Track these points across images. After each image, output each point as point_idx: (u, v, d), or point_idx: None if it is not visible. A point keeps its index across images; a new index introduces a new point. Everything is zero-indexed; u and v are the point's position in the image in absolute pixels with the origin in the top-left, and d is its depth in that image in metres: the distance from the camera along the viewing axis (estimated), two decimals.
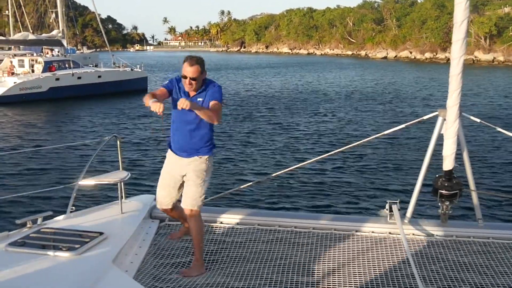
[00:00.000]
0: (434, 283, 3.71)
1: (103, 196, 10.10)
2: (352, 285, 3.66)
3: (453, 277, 3.80)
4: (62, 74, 31.10)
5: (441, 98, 28.05)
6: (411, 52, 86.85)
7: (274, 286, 3.64)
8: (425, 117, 4.73)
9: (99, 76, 32.56)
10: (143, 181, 11.91)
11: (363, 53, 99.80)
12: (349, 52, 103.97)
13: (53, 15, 43.92)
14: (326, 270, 3.90)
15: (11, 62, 32.67)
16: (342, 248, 4.28)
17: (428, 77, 45.40)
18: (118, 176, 4.65)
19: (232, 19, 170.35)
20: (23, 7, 48.23)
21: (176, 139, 4.12)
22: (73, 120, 23.29)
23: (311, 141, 17.35)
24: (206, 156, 4.10)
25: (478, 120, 4.71)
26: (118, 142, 4.88)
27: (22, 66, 32.86)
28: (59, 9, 36.92)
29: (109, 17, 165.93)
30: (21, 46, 37.46)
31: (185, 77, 3.96)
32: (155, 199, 4.96)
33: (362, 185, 11.69)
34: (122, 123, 21.75)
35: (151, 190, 10.19)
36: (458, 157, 4.36)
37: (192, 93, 4.08)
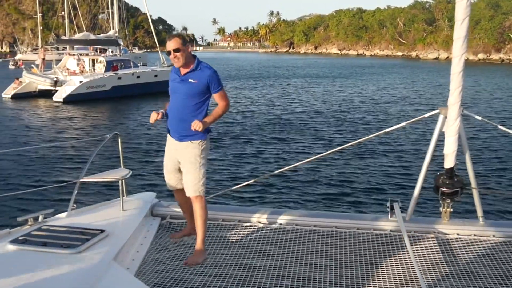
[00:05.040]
0: (436, 281, 3.69)
1: (105, 193, 10.13)
2: (354, 283, 3.66)
3: (454, 275, 3.78)
4: (124, 73, 32.10)
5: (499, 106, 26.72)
6: None
7: (276, 283, 3.66)
8: (426, 115, 4.69)
9: (156, 75, 33.39)
10: (144, 178, 11.91)
11: (413, 54, 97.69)
12: (399, 53, 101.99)
13: (105, 16, 45.32)
14: (327, 267, 3.91)
15: (83, 61, 33.93)
16: (344, 246, 4.28)
17: (485, 81, 43.00)
18: (119, 173, 4.66)
19: (281, 19, 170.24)
20: (78, 8, 50.00)
21: (171, 123, 4.22)
22: (124, 117, 23.87)
23: (313, 139, 17.24)
24: (199, 141, 4.14)
25: (480, 118, 4.65)
26: (119, 140, 4.92)
27: (79, 65, 33.95)
28: (115, 10, 38.03)
29: (159, 18, 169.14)
30: (74, 46, 38.93)
31: (169, 53, 4.10)
32: (156, 197, 5.09)
33: (364, 183, 11.59)
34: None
35: (153, 187, 10.42)
36: (460, 155, 4.33)
37: (183, 70, 4.16)
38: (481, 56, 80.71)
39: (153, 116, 4.17)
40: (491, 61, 76.74)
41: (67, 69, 34.05)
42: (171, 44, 4.09)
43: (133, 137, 17.85)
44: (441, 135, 4.33)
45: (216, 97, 4.19)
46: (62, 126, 21.04)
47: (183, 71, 4.17)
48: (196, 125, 3.98)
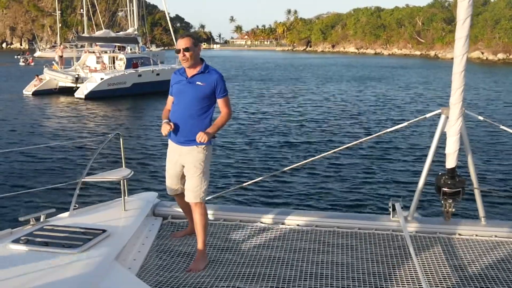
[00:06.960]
0: (437, 281, 3.70)
1: (106, 193, 10.13)
2: (355, 283, 3.68)
3: (456, 275, 3.80)
4: (144, 70, 32.30)
5: None
6: (482, 53, 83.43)
7: (277, 283, 3.68)
8: (427, 115, 4.68)
9: None
10: (146, 178, 11.92)
11: (432, 53, 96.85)
12: (418, 52, 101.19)
13: (123, 14, 45.67)
14: (329, 267, 3.92)
15: (103, 59, 34.30)
16: (345, 246, 4.29)
17: (503, 82, 42.06)
18: (121, 173, 4.64)
19: (298, 18, 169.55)
20: (96, 6, 50.45)
21: (175, 126, 4.08)
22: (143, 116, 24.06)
23: (320, 138, 17.23)
24: (204, 146, 4.05)
25: (481, 118, 4.65)
26: (121, 140, 4.93)
27: (99, 63, 34.42)
28: (134, 8, 38.27)
29: (177, 15, 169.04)
30: (92, 43, 39.33)
31: (179, 51, 4.01)
32: (158, 197, 5.08)
33: (365, 183, 11.56)
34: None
35: (154, 187, 10.47)
36: (461, 155, 4.33)
37: (189, 72, 4.09)
38: (500, 56, 79.69)
39: (166, 128, 4.05)
40: (511, 60, 75.65)
41: (87, 66, 34.36)
42: (181, 43, 4.01)
43: (137, 136, 17.91)
44: (443, 135, 4.33)
45: (220, 102, 4.11)
46: (76, 124, 21.26)
47: (190, 73, 4.09)
48: (201, 137, 3.91)
